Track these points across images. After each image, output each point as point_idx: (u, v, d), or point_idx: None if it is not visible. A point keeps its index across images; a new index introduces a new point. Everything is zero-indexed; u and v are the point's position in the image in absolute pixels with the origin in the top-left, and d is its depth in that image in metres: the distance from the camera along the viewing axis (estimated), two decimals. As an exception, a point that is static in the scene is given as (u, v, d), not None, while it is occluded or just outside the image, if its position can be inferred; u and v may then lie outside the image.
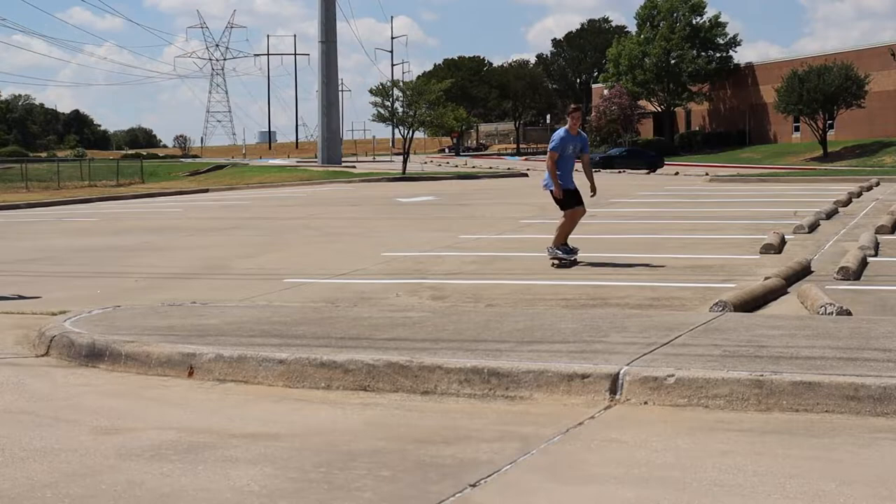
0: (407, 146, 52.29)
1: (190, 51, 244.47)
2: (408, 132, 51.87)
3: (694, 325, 6.67)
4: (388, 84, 53.24)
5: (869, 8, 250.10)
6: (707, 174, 41.36)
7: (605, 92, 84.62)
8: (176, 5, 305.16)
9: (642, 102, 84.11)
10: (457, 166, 62.56)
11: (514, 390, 5.45)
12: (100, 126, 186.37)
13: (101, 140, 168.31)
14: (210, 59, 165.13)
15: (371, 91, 51.18)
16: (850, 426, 4.72)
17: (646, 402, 5.20)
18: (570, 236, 11.45)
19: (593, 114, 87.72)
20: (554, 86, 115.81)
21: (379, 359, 5.83)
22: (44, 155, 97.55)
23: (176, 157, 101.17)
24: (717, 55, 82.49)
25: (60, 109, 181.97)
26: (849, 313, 7.22)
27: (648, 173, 51.61)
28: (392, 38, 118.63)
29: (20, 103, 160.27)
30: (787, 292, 8.69)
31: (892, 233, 13.90)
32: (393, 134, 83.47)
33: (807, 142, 66.88)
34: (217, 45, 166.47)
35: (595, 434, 4.72)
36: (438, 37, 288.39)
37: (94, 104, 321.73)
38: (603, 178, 45.59)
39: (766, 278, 9.03)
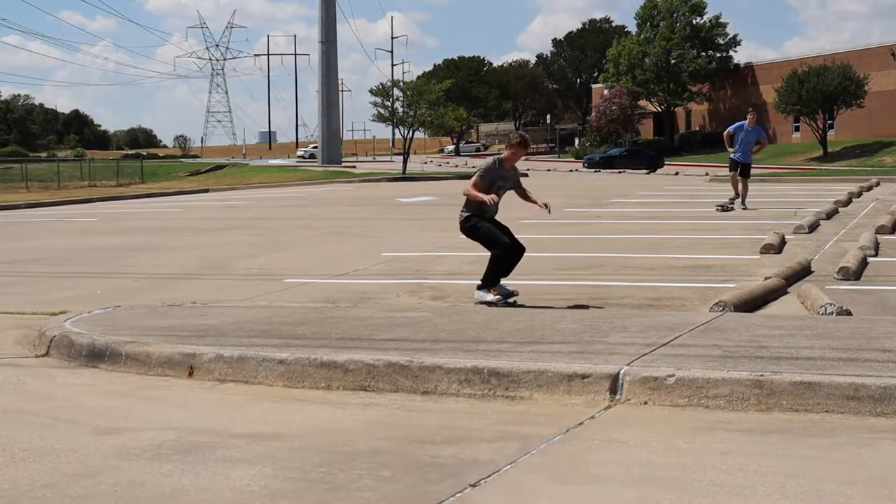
0: (407, 146, 52.30)
1: (190, 51, 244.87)
2: (408, 132, 51.90)
3: (694, 325, 6.67)
4: (389, 84, 53.26)
5: (870, 8, 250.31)
6: (707, 174, 41.35)
7: (605, 92, 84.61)
8: (176, 6, 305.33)
9: (642, 102, 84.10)
10: (457, 166, 62.56)
11: (515, 390, 5.45)
12: (100, 126, 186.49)
13: (101, 140, 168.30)
14: (210, 59, 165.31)
15: (371, 91, 51.28)
16: (850, 426, 4.72)
17: (646, 403, 5.20)
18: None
19: (593, 114, 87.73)
20: (554, 86, 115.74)
21: (379, 359, 5.83)
22: (44, 155, 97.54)
23: (176, 157, 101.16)
24: (718, 55, 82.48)
25: (60, 109, 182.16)
26: (849, 313, 7.22)
27: (648, 173, 51.63)
28: (392, 38, 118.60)
29: (20, 103, 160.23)
30: (787, 292, 8.69)
31: (892, 233, 13.89)
32: (393, 134, 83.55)
33: (807, 142, 66.84)
34: (217, 45, 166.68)
35: (595, 434, 4.72)
36: (438, 37, 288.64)
37: (94, 104, 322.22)
38: (603, 178, 45.64)
39: (767, 278, 9.03)
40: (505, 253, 8.55)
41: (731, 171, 19.58)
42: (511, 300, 8.56)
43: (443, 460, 4.34)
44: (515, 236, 8.81)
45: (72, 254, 14.45)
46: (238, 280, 10.99)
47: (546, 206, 8.87)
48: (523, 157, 9.22)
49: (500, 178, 8.76)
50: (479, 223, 8.70)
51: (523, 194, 9.03)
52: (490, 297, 8.51)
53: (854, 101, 60.69)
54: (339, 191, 34.87)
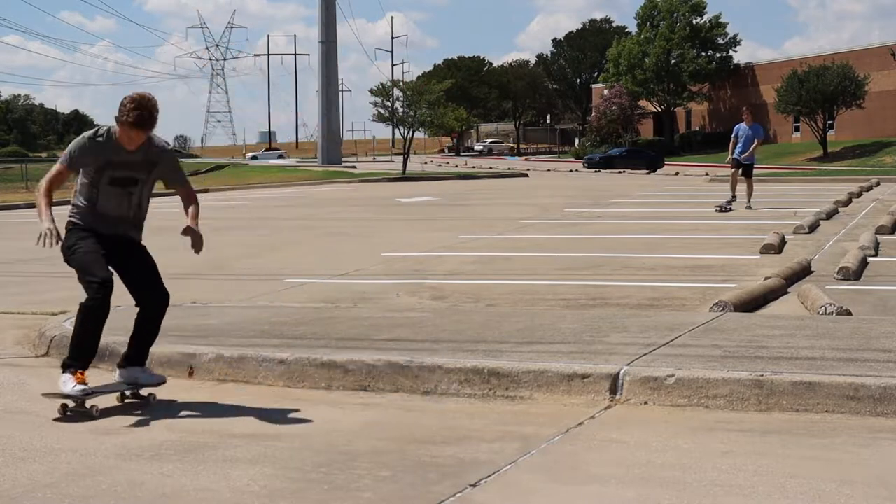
0: (407, 146, 52.29)
1: (190, 51, 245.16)
2: (408, 132, 51.88)
3: (694, 325, 6.67)
4: (389, 84, 53.24)
5: (870, 8, 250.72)
6: (707, 174, 41.31)
7: (605, 92, 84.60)
8: (176, 6, 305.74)
9: (642, 102, 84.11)
10: (457, 166, 62.56)
11: (515, 390, 5.45)
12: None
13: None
14: (210, 59, 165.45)
15: (371, 91, 51.24)
16: (850, 426, 4.72)
17: (646, 403, 5.20)
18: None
19: (593, 114, 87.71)
20: (554, 86, 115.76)
21: (379, 359, 5.83)
22: (44, 155, 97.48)
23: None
24: (718, 55, 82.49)
25: (60, 109, 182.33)
26: (849, 313, 7.22)
27: (648, 173, 51.63)
28: (392, 38, 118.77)
29: (20, 103, 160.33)
30: (787, 292, 8.69)
31: (892, 233, 13.89)
32: (393, 134, 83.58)
33: (807, 142, 66.84)
34: (217, 45, 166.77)
35: (595, 434, 4.72)
36: (438, 37, 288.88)
37: (94, 104, 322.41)
38: (603, 178, 45.65)
39: (767, 278, 9.03)
40: (101, 304, 5.41)
41: (733, 167, 19.65)
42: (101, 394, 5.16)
43: (443, 460, 4.34)
44: (159, 276, 5.82)
45: (72, 254, 14.43)
46: (238, 280, 10.99)
47: (195, 246, 6.14)
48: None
49: (118, 166, 5.50)
50: (80, 241, 5.57)
51: (187, 201, 6.12)
52: (67, 386, 5.15)
53: (854, 101, 60.68)
54: (339, 191, 34.87)
